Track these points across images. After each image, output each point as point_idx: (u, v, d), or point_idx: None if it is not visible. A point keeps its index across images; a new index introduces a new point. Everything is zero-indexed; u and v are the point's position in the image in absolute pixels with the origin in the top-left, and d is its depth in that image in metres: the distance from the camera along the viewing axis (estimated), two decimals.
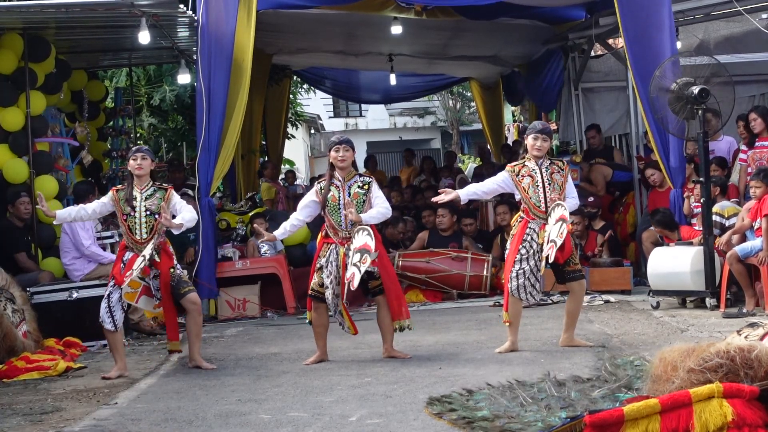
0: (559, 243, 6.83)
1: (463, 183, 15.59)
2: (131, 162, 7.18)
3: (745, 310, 8.32)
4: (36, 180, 9.43)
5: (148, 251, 6.95)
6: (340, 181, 7.04)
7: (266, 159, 15.45)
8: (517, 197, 7.26)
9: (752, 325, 4.97)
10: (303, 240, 11.04)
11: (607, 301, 9.68)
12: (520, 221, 7.17)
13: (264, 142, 15.83)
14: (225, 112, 9.98)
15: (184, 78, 11.66)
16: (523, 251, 7.06)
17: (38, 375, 7.19)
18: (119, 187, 7.36)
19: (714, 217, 9.13)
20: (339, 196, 6.99)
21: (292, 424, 5.11)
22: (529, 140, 7.21)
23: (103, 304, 7.03)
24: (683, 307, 9.09)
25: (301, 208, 7.23)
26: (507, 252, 7.23)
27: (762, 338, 4.60)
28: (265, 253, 10.65)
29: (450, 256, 10.77)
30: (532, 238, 7.08)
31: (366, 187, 7.03)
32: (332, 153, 7.06)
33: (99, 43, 11.30)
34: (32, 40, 9.45)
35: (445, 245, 11.00)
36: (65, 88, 10.83)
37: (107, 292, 7.06)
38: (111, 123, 12.83)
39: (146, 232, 7.05)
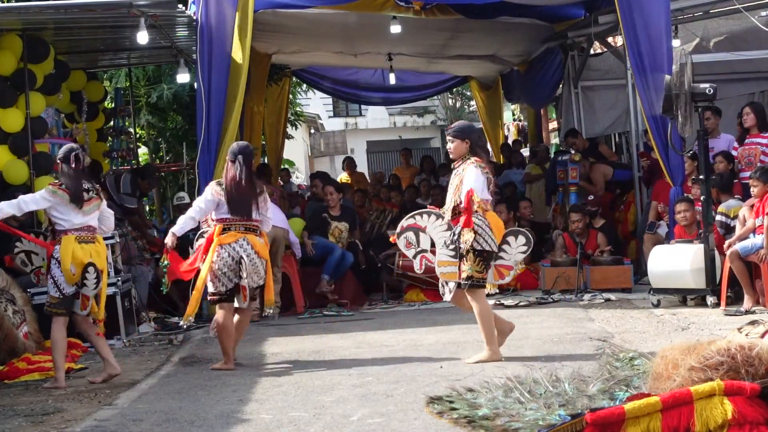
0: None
1: None
2: None
3: (744, 308, 8.31)
4: (36, 181, 9.42)
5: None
6: None
7: (265, 160, 15.43)
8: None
9: (753, 322, 4.98)
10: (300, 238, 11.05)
11: (607, 300, 9.67)
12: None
13: (263, 143, 15.80)
14: (224, 112, 9.97)
15: (183, 77, 11.66)
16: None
17: (39, 376, 7.19)
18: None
19: (719, 217, 9.12)
20: None
21: (293, 424, 5.11)
22: None
23: None
24: (684, 305, 9.09)
25: None
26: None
27: (763, 336, 4.61)
28: None
29: None
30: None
31: None
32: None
33: (98, 43, 11.29)
34: (31, 41, 9.45)
35: None
36: (64, 88, 10.82)
37: None
38: (111, 123, 12.82)
39: None
